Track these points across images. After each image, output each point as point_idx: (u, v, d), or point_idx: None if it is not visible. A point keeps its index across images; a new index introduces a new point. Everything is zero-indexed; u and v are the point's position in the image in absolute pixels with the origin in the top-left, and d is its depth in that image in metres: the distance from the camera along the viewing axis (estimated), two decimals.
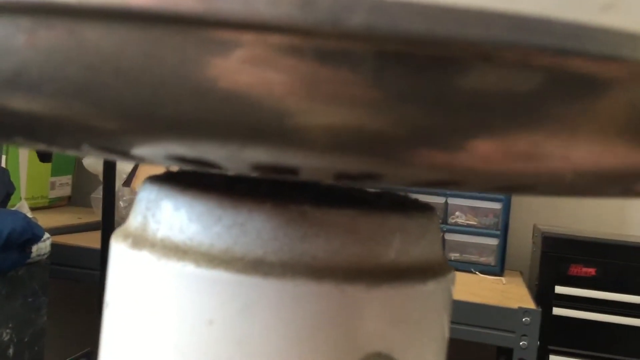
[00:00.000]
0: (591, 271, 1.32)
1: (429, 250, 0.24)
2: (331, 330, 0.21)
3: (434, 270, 0.24)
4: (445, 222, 1.50)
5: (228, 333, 0.20)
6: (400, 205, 0.24)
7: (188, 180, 0.23)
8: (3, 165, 1.52)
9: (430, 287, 0.23)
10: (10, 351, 1.20)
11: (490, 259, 1.51)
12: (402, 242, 0.23)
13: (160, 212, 0.23)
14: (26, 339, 1.25)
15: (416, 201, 0.26)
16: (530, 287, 1.43)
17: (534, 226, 1.58)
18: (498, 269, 1.49)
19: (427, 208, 0.25)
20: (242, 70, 0.12)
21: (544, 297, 1.32)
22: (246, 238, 0.21)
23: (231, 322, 0.21)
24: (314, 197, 0.22)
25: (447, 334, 0.25)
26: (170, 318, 0.21)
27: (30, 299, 1.26)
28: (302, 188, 0.23)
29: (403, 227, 0.23)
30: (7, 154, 1.60)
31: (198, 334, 0.21)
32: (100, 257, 1.26)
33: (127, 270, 0.23)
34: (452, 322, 0.25)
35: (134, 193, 1.43)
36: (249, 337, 0.20)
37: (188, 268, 0.21)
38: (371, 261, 0.22)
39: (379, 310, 0.21)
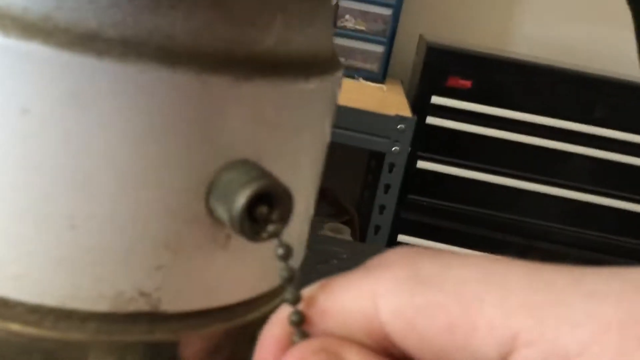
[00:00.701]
0: (467, 84, 1.35)
1: (317, 41, 0.19)
2: (187, 130, 0.16)
3: (320, 65, 0.19)
4: (333, 25, 1.44)
5: (48, 127, 0.16)
6: None
7: None
8: None
9: (314, 86, 0.19)
10: None
11: (374, 66, 1.50)
12: (284, 26, 0.18)
13: None
14: None
15: None
16: (408, 96, 1.45)
17: (420, 36, 1.57)
18: (380, 76, 1.50)
19: None
20: None
21: (420, 106, 1.35)
22: (74, 1, 0.16)
23: (52, 113, 0.16)
24: None
25: (327, 142, 0.21)
26: None
27: None
28: None
29: (287, 6, 0.18)
30: None
31: (7, 126, 0.16)
32: None
33: None
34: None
35: None
36: (76, 133, 0.16)
37: None
38: (243, 48, 0.17)
39: (249, 109, 0.17)
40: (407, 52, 1.63)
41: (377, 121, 1.28)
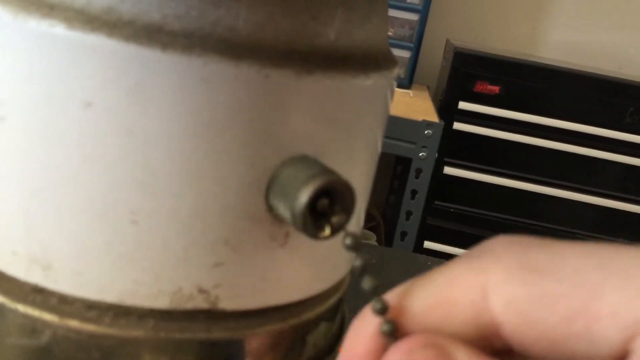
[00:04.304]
0: (495, 89, 1.34)
1: (375, 36, 0.19)
2: (248, 124, 0.16)
3: (377, 61, 0.19)
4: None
5: (111, 119, 0.16)
6: None
7: None
8: None
9: (373, 81, 0.18)
10: None
11: (401, 71, 1.50)
12: (344, 21, 0.18)
13: None
14: None
15: None
16: (435, 102, 1.44)
17: (447, 41, 1.56)
18: (407, 82, 1.49)
19: None
20: None
21: (448, 111, 1.34)
22: None
23: (116, 106, 0.15)
24: None
25: (380, 144, 0.21)
26: (33, 96, 0.16)
27: None
28: None
29: (347, 0, 0.18)
30: None
31: (71, 118, 0.16)
32: None
33: None
34: None
35: None
36: (139, 127, 0.16)
37: (57, 30, 0.15)
38: (304, 41, 0.17)
39: (310, 103, 0.17)
40: (434, 57, 1.62)
41: (404, 126, 1.27)
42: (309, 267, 0.19)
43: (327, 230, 0.16)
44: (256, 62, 0.16)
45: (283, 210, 0.17)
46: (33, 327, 0.17)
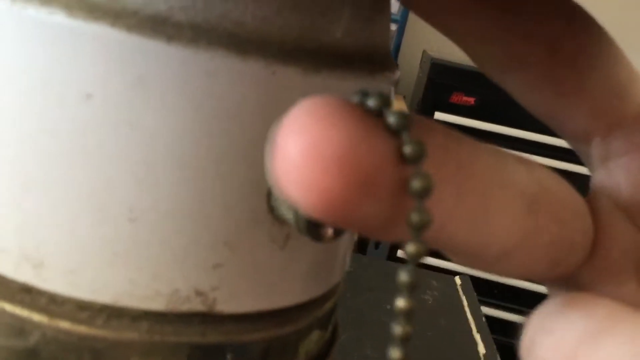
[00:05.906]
0: (470, 100, 1.36)
1: (378, 37, 0.19)
2: (253, 122, 0.16)
3: (381, 62, 0.19)
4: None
5: (111, 112, 0.15)
6: None
7: None
8: None
9: (377, 83, 0.18)
10: None
11: None
12: (351, 20, 0.17)
13: None
14: None
15: None
16: (411, 111, 1.45)
17: (424, 52, 1.57)
18: None
19: None
20: None
21: None
22: None
23: (117, 98, 0.15)
24: None
25: None
26: (30, 86, 0.15)
27: None
28: None
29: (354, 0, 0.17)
30: None
31: (69, 110, 0.15)
32: None
33: None
34: None
35: None
36: (140, 120, 0.15)
37: (56, 18, 0.15)
38: (312, 38, 0.16)
39: None
40: (411, 68, 1.63)
41: None
42: (308, 270, 0.18)
43: (330, 233, 0.16)
44: (263, 58, 0.15)
45: (285, 211, 0.16)
46: (21, 327, 0.16)
